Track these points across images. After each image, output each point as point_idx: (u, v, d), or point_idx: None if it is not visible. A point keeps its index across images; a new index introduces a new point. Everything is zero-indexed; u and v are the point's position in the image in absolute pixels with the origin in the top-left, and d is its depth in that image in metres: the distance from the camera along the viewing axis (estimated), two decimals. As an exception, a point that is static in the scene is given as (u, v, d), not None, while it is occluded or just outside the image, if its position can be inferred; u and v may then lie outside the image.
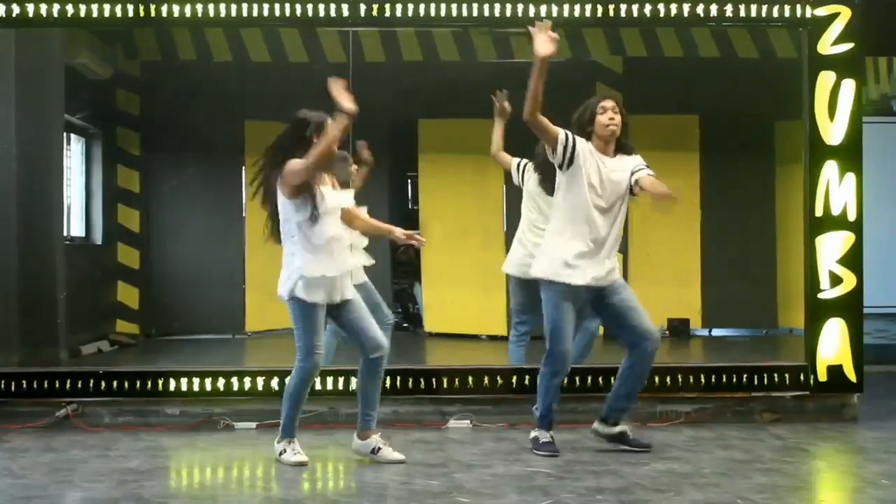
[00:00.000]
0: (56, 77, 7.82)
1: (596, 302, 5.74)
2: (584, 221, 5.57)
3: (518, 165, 7.21)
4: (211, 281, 10.54)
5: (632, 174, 5.64)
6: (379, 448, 5.58)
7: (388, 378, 6.66)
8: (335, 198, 5.49)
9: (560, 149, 5.59)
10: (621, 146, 5.72)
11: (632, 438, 5.85)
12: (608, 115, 5.64)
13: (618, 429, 5.84)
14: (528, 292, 6.81)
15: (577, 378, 6.73)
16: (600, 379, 6.74)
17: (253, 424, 6.65)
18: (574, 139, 5.63)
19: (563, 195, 5.66)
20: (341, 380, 6.67)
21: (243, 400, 6.69)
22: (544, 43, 5.45)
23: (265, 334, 10.44)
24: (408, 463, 5.58)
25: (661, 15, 6.80)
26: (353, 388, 6.66)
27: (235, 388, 6.68)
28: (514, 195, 10.61)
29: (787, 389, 6.81)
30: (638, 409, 6.72)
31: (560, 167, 5.65)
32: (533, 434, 5.86)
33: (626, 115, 5.71)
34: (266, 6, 6.71)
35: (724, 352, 9.99)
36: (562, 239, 5.61)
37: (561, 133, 5.61)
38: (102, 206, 10.32)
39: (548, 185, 6.50)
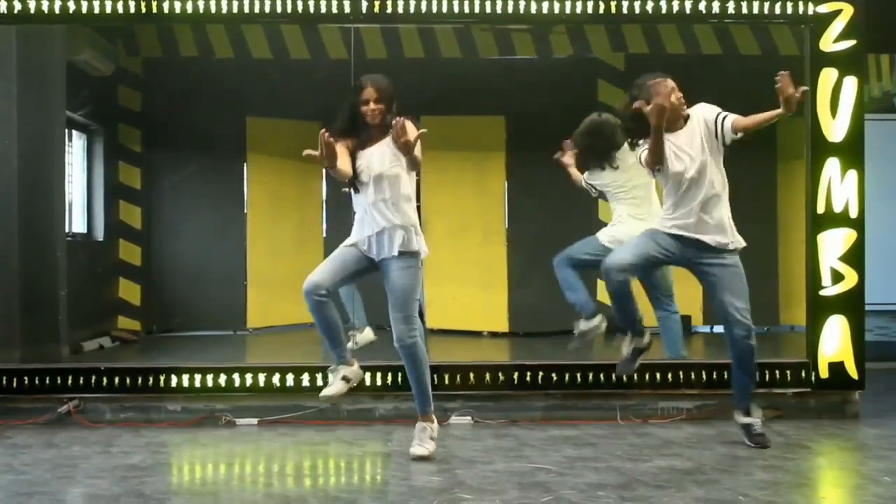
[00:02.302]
0: (58, 74, 7.81)
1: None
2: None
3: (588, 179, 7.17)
4: (212, 277, 10.55)
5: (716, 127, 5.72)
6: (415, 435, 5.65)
7: (390, 374, 6.69)
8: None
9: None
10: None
11: (754, 434, 5.90)
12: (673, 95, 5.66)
13: (743, 420, 5.96)
14: None
15: (578, 375, 6.74)
16: (601, 376, 6.75)
17: (254, 421, 6.66)
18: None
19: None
20: (343, 376, 6.67)
21: (245, 396, 6.70)
22: (655, 112, 5.49)
23: (267, 331, 10.44)
24: (409, 459, 5.59)
25: (663, 12, 6.82)
26: (354, 385, 6.68)
27: (237, 384, 6.69)
28: (515, 192, 10.66)
29: (789, 386, 6.81)
30: (640, 405, 6.75)
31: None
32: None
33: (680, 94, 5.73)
34: (268, 2, 6.72)
35: (726, 348, 9.96)
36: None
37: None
38: (104, 203, 10.32)
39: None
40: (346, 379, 5.65)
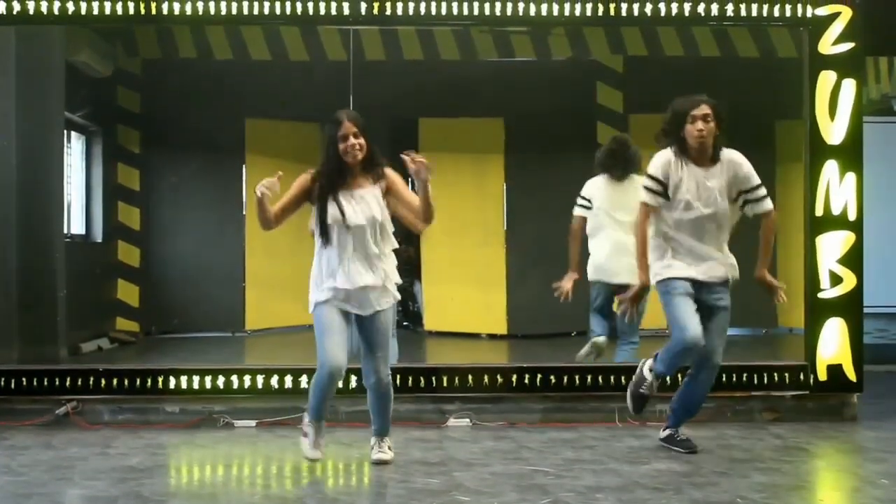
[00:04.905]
0: (57, 74, 7.81)
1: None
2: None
3: (582, 201, 7.18)
4: (211, 279, 10.55)
5: (741, 194, 5.65)
6: (373, 446, 5.61)
7: (388, 376, 6.68)
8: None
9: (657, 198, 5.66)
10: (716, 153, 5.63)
11: (679, 439, 5.85)
12: (698, 124, 5.52)
13: (665, 432, 5.93)
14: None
15: (576, 377, 6.74)
16: (599, 378, 6.75)
17: (252, 422, 6.66)
18: (655, 180, 5.65)
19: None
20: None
21: (243, 398, 6.70)
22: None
23: (265, 332, 10.44)
24: (407, 461, 5.59)
25: (662, 14, 6.80)
26: (353, 386, 6.69)
27: (235, 385, 6.68)
28: (514, 194, 10.66)
29: (787, 389, 6.81)
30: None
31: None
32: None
33: (721, 120, 5.58)
34: (267, 4, 6.71)
35: (724, 351, 9.96)
36: None
37: (649, 199, 5.66)
38: (102, 204, 10.33)
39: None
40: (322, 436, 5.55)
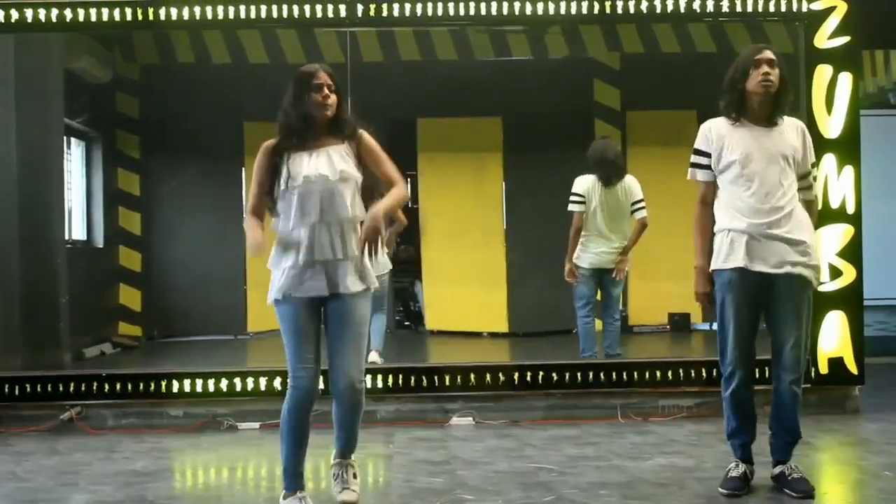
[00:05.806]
0: (56, 81, 7.84)
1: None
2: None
3: (579, 198, 7.47)
4: (212, 282, 10.57)
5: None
6: (335, 476, 4.66)
7: (391, 376, 6.71)
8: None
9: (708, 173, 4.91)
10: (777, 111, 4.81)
11: (791, 478, 4.79)
12: (763, 68, 4.73)
13: (776, 469, 4.89)
14: None
15: (578, 374, 6.76)
16: (602, 375, 6.77)
17: (256, 425, 6.67)
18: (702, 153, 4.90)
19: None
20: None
21: (247, 400, 6.71)
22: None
23: (267, 335, 10.43)
24: (411, 460, 5.61)
25: (658, 11, 6.82)
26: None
27: (238, 388, 6.70)
28: (513, 192, 10.68)
29: (789, 382, 6.81)
30: (641, 403, 6.77)
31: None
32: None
33: (784, 72, 4.79)
34: (263, 7, 6.73)
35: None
36: None
37: (696, 176, 4.95)
38: (103, 209, 10.35)
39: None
40: None
